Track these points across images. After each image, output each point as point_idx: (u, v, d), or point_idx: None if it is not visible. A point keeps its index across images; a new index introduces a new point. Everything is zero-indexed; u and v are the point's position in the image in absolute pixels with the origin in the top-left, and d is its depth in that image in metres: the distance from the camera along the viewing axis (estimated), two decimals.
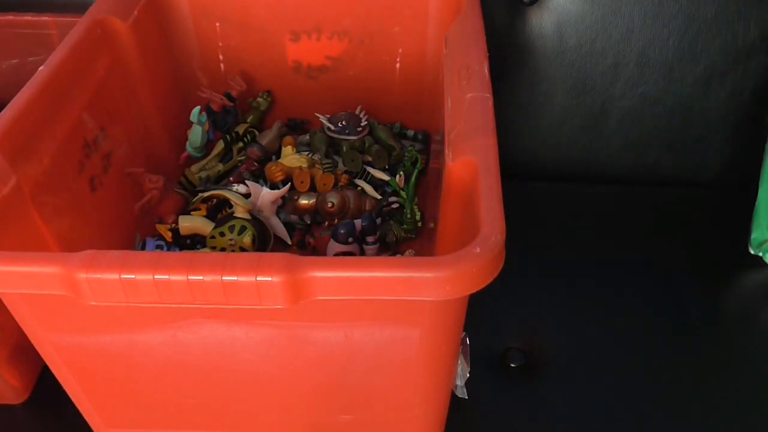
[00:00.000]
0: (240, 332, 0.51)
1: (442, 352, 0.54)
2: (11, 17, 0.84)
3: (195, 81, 0.86)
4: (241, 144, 0.84)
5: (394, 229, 0.76)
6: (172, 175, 0.82)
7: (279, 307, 0.45)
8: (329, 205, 0.75)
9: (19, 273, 0.46)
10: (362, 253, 0.74)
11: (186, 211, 0.78)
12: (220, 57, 0.85)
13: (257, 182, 0.78)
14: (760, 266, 0.80)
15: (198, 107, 0.79)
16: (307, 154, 0.82)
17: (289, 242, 0.76)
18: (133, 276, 0.44)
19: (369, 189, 0.80)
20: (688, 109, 0.89)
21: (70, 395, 0.59)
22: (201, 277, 0.44)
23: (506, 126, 0.90)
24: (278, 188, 0.76)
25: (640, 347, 0.71)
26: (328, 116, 0.85)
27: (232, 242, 0.70)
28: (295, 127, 0.89)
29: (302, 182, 0.78)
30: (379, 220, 0.76)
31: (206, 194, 0.76)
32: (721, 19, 0.84)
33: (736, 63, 0.86)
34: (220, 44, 0.84)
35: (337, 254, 0.72)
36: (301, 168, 0.79)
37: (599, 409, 0.66)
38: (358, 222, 0.73)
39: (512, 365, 0.69)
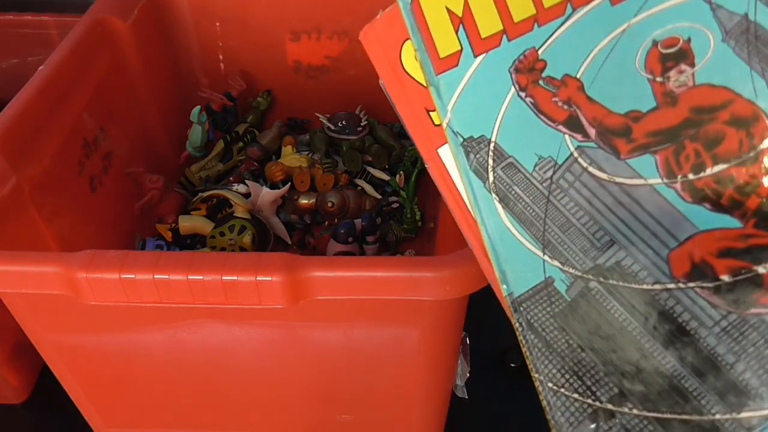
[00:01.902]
0: (240, 332, 0.51)
1: (442, 351, 0.54)
2: (11, 17, 0.85)
3: (195, 81, 0.86)
4: (241, 144, 0.84)
5: (394, 228, 0.76)
6: (172, 174, 0.82)
7: (279, 306, 0.45)
8: (329, 204, 0.75)
9: (19, 273, 0.46)
10: (362, 252, 0.74)
11: (186, 211, 0.78)
12: (220, 57, 0.85)
13: (257, 182, 0.78)
14: None
15: (198, 107, 0.79)
16: (307, 154, 0.82)
17: (289, 242, 0.76)
18: (133, 276, 0.44)
19: (369, 189, 0.80)
20: None
21: (70, 395, 0.59)
22: (201, 277, 0.44)
23: None
24: (278, 188, 0.76)
25: None
26: (328, 116, 0.85)
27: (232, 242, 0.70)
28: (295, 127, 0.89)
29: (302, 182, 0.78)
30: (379, 220, 0.76)
31: (206, 194, 0.76)
32: None
33: None
34: (220, 44, 0.84)
35: (337, 254, 0.72)
36: (301, 168, 0.79)
37: None
38: (358, 222, 0.73)
39: (512, 365, 0.69)
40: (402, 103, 0.40)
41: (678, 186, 0.37)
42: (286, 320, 0.50)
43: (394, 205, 0.79)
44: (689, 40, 0.36)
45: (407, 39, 0.39)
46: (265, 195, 0.74)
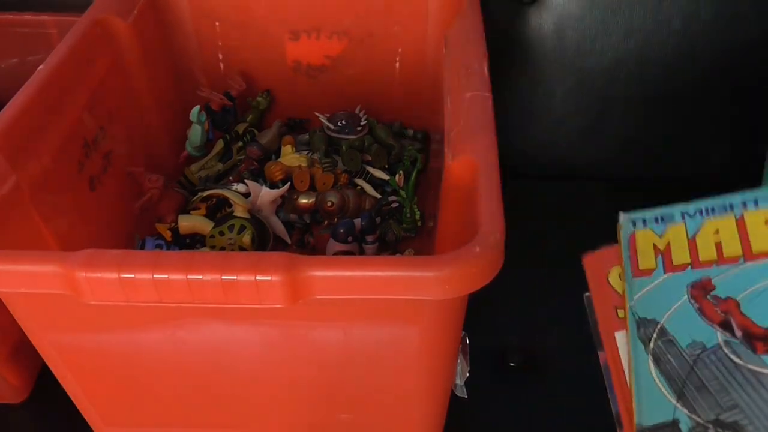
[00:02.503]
0: (239, 331, 0.51)
1: (442, 351, 0.54)
2: (11, 16, 0.84)
3: (194, 80, 0.86)
4: (240, 143, 0.84)
5: (394, 228, 0.76)
6: (172, 174, 0.82)
7: (278, 306, 0.45)
8: (329, 204, 0.75)
9: (18, 272, 0.46)
10: (362, 252, 0.74)
11: (185, 210, 0.78)
12: (220, 56, 0.85)
13: (257, 181, 0.78)
14: None
15: (198, 106, 0.79)
16: (307, 154, 0.82)
17: (289, 241, 0.76)
18: (132, 275, 0.44)
19: (368, 188, 0.80)
20: (688, 109, 0.89)
21: (70, 394, 0.59)
22: (200, 277, 0.44)
23: (506, 125, 0.90)
24: (278, 187, 0.76)
25: None
26: (328, 115, 0.85)
27: (232, 241, 0.70)
28: (295, 127, 0.89)
29: (302, 181, 0.78)
30: (378, 219, 0.76)
31: (206, 193, 0.76)
32: (720, 19, 0.84)
33: (735, 62, 0.86)
34: (220, 44, 0.84)
35: (336, 253, 0.72)
36: (300, 167, 0.79)
37: (599, 407, 0.66)
38: (357, 221, 0.73)
39: (512, 364, 0.69)
40: (599, 301, 0.57)
41: None
42: (286, 320, 0.50)
43: (394, 205, 0.79)
44: None
45: (615, 265, 0.58)
46: (265, 194, 0.74)
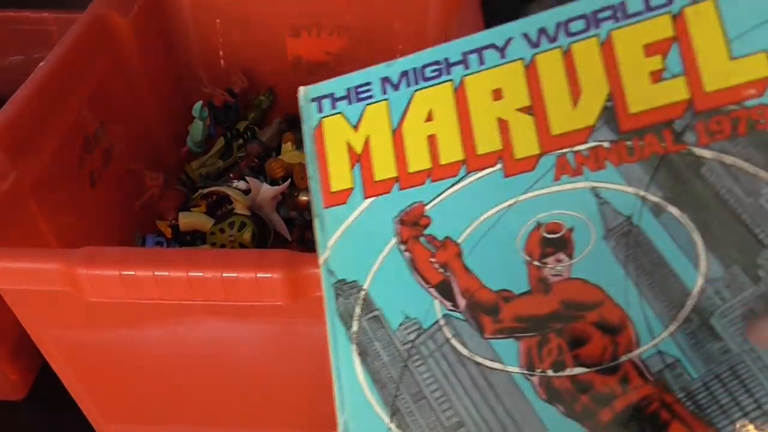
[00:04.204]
0: (240, 329, 0.51)
1: None
2: (11, 13, 0.84)
3: (195, 77, 0.86)
4: (241, 141, 0.84)
5: None
6: (172, 170, 0.82)
7: (279, 303, 0.45)
8: None
9: (19, 269, 0.46)
10: None
11: (186, 208, 0.78)
12: (220, 53, 0.85)
13: (257, 178, 0.78)
14: None
15: (200, 102, 0.79)
16: None
17: (289, 238, 0.76)
18: (134, 272, 0.44)
19: None
20: None
21: (70, 391, 0.59)
22: (201, 274, 0.44)
23: None
24: (278, 184, 0.76)
25: None
26: None
27: (232, 238, 0.70)
28: (295, 123, 0.89)
29: (302, 178, 0.78)
30: None
31: (206, 190, 0.76)
32: None
33: None
34: (220, 40, 0.84)
35: None
36: (301, 164, 0.79)
37: None
38: None
39: None
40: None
41: (536, 380, 0.34)
42: (287, 317, 0.50)
43: None
44: (572, 229, 0.34)
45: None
46: (265, 191, 0.74)
